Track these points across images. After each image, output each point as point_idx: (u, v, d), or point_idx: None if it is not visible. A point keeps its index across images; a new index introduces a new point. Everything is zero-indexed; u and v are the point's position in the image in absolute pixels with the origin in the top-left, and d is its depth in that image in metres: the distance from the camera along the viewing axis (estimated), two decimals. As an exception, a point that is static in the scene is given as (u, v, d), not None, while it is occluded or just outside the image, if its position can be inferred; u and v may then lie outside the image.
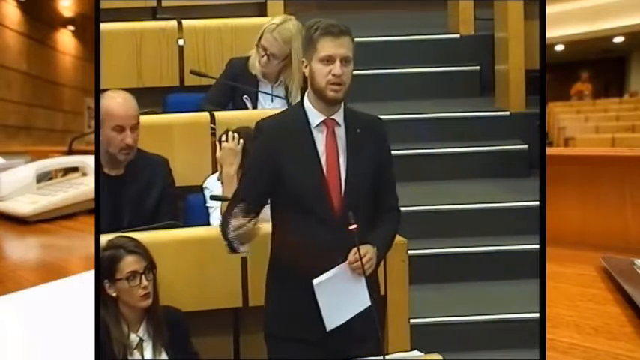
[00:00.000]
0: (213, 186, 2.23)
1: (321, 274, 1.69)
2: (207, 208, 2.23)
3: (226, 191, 2.14)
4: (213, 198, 2.16)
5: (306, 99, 1.76)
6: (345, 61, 1.69)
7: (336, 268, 1.70)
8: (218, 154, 2.19)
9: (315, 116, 1.73)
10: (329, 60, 1.69)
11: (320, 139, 1.73)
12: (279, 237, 1.77)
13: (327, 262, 1.70)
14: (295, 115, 1.75)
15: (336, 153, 1.73)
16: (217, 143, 2.20)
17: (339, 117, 1.74)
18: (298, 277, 1.71)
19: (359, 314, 1.73)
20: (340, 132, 1.74)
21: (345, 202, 1.72)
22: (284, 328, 1.77)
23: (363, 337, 1.74)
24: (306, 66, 1.73)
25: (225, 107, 2.61)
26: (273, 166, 1.72)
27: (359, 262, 1.68)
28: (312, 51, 1.71)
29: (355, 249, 1.68)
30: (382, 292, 2.03)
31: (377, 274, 1.83)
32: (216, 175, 2.22)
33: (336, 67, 1.69)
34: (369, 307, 1.71)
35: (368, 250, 1.70)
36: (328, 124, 1.73)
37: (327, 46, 1.69)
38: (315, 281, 1.69)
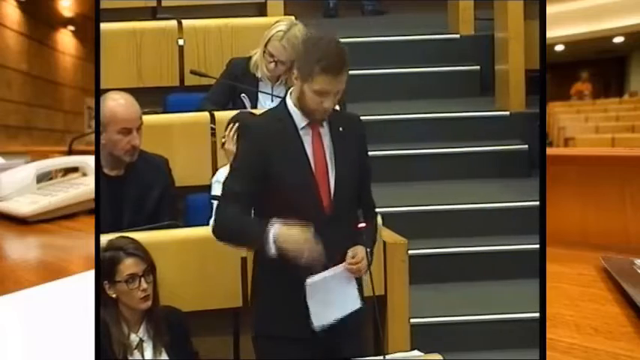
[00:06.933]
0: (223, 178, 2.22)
1: (311, 272, 1.70)
2: (211, 202, 2.21)
3: None
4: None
5: (289, 101, 1.76)
6: (338, 93, 1.70)
7: (330, 269, 1.70)
8: (228, 145, 2.18)
9: (300, 119, 1.75)
10: (323, 93, 1.69)
11: (307, 140, 1.75)
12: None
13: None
14: (281, 116, 1.76)
15: (323, 153, 1.75)
16: (227, 134, 2.19)
17: None
18: (288, 276, 1.71)
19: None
20: (324, 131, 1.76)
21: (335, 201, 1.74)
22: (274, 327, 1.77)
23: (354, 334, 1.77)
24: (296, 78, 1.73)
25: (226, 107, 2.61)
26: (262, 167, 1.72)
27: (358, 265, 1.70)
28: (308, 77, 1.69)
29: (353, 250, 1.71)
30: (382, 292, 2.04)
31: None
32: (226, 168, 2.21)
33: (329, 102, 1.70)
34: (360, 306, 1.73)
35: (361, 252, 1.71)
36: (313, 125, 1.75)
37: (325, 83, 1.68)
38: (308, 281, 1.69)
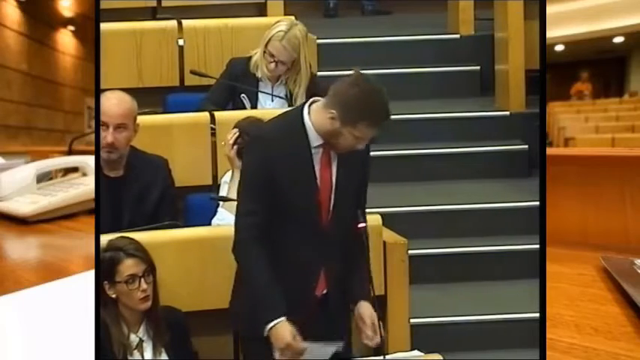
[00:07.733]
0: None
1: (306, 280, 1.77)
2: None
3: None
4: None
5: (306, 116, 1.73)
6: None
7: (329, 346, 1.72)
8: (225, 150, 2.18)
9: (315, 138, 1.73)
10: (361, 139, 1.71)
11: (317, 160, 1.74)
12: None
13: (311, 271, 1.77)
14: (295, 130, 1.74)
15: (330, 169, 1.76)
16: (227, 138, 2.20)
17: None
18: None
19: (336, 310, 1.79)
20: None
21: (333, 218, 1.76)
22: (258, 329, 1.75)
23: (340, 335, 1.77)
24: (333, 118, 1.68)
25: (226, 107, 2.61)
26: (270, 180, 1.72)
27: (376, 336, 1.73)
28: (350, 123, 1.67)
29: (366, 315, 1.74)
30: (382, 292, 2.04)
31: None
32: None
33: (364, 142, 1.72)
34: (346, 307, 1.79)
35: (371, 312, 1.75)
36: (326, 145, 1.75)
37: (367, 133, 1.69)
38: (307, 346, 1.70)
